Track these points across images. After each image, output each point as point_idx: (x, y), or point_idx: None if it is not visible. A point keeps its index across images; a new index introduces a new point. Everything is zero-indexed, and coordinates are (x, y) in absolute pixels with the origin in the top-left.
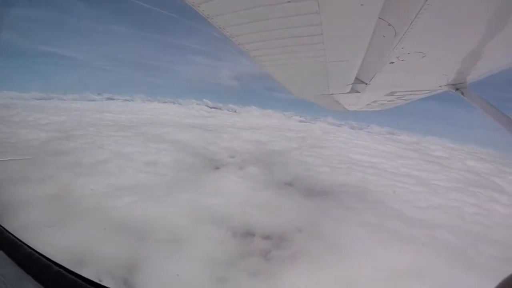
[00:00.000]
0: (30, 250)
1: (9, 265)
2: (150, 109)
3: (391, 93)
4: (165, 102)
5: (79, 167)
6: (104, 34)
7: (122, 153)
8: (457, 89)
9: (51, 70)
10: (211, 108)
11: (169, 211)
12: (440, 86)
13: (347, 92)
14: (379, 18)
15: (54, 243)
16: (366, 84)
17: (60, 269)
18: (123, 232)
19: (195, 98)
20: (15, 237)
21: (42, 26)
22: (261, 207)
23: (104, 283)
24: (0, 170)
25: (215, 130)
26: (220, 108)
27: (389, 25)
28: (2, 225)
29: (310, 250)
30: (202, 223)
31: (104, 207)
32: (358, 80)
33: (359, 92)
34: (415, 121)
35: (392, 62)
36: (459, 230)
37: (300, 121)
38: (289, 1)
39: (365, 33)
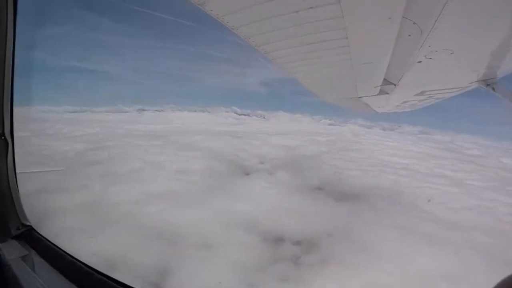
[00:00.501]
0: (67, 256)
1: (49, 271)
2: (180, 118)
3: (421, 93)
4: (195, 111)
5: (112, 176)
6: (132, 48)
7: (154, 162)
8: (487, 84)
9: (82, 84)
10: (239, 115)
11: (200, 217)
12: (470, 83)
13: (376, 94)
14: (403, 17)
15: (89, 249)
16: (395, 85)
17: (100, 275)
18: (154, 238)
19: (224, 106)
20: (53, 244)
21: (71, 43)
22: (291, 212)
23: None
24: (36, 181)
25: (244, 136)
26: (248, 115)
27: (414, 23)
28: (40, 233)
29: (341, 254)
30: (232, 228)
31: (137, 214)
32: (386, 82)
33: (388, 93)
34: (448, 119)
35: (420, 61)
36: (495, 231)
37: (330, 124)
38: (311, 7)
39: (390, 34)
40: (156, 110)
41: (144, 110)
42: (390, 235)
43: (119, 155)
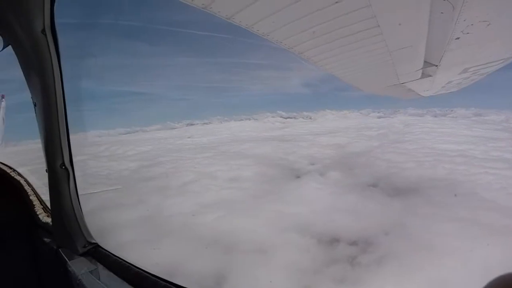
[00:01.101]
0: (132, 267)
1: (116, 282)
2: (228, 128)
3: (465, 70)
4: (241, 120)
5: (167, 190)
6: (174, 67)
7: (206, 173)
8: None
9: (132, 107)
10: (286, 118)
11: (254, 223)
12: None
13: (419, 78)
14: None
15: (152, 259)
16: (436, 66)
17: (165, 282)
18: (211, 246)
19: (269, 111)
20: (119, 257)
21: (118, 70)
22: (345, 212)
23: None
24: (97, 200)
25: (292, 139)
26: (294, 117)
27: (444, 0)
28: (106, 249)
29: (398, 252)
30: (287, 232)
31: (193, 224)
32: (427, 64)
33: (431, 75)
34: (502, 96)
35: (458, 38)
36: None
37: (379, 117)
38: (336, 2)
39: (422, 14)
40: (204, 123)
41: (192, 124)
42: (449, 228)
43: (172, 169)
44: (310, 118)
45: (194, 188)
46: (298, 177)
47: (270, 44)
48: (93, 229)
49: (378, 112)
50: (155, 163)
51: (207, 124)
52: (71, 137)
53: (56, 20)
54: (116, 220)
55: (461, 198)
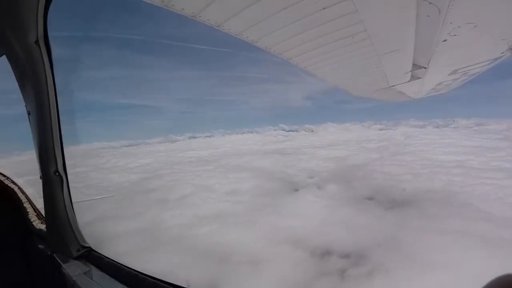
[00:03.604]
0: (124, 267)
1: (110, 281)
2: (229, 141)
3: (454, 72)
4: (243, 133)
5: (166, 202)
6: (178, 81)
7: (205, 186)
8: None
9: (135, 119)
10: (287, 131)
11: (249, 236)
12: (502, 53)
13: (408, 81)
14: None
15: (144, 268)
16: (425, 68)
17: (154, 280)
18: (205, 257)
19: (271, 125)
20: (111, 259)
21: (121, 83)
22: (339, 225)
23: None
24: (95, 210)
25: (292, 153)
26: (296, 130)
27: (430, 3)
28: (99, 252)
29: (389, 265)
30: (280, 244)
31: (188, 236)
32: (416, 66)
33: (420, 77)
34: (504, 105)
35: (445, 40)
36: None
37: (380, 129)
38: (324, 8)
39: (408, 18)
40: (206, 136)
41: (194, 137)
42: (442, 240)
43: (171, 182)
44: (312, 131)
45: (192, 201)
46: (296, 190)
47: (272, 58)
48: (88, 237)
49: (380, 124)
50: (155, 176)
51: (209, 137)
52: (75, 148)
53: (50, 32)
54: (113, 229)
55: (456, 210)
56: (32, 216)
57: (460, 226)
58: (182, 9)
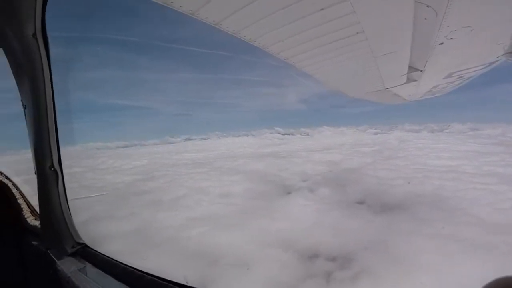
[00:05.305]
0: (120, 263)
1: (105, 278)
2: (225, 144)
3: (450, 75)
4: (239, 136)
5: (159, 204)
6: (175, 83)
7: (198, 188)
8: None
9: (131, 120)
10: (283, 135)
11: (239, 238)
12: (497, 57)
13: (404, 83)
14: (416, 1)
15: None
16: (421, 71)
17: (150, 276)
18: (194, 258)
19: (267, 128)
20: (107, 256)
21: (117, 84)
22: (329, 228)
23: None
24: (88, 210)
25: (287, 156)
26: (292, 134)
27: (427, 6)
28: (94, 249)
29: (375, 268)
30: (270, 247)
31: (179, 237)
32: (412, 69)
33: (416, 80)
34: (499, 109)
35: (442, 43)
36: None
37: (375, 134)
38: (322, 9)
39: (405, 20)
40: (202, 139)
41: (190, 139)
42: (429, 245)
43: (166, 184)
44: (308, 134)
45: (185, 203)
46: (289, 193)
47: (270, 61)
48: (83, 235)
49: (375, 129)
50: (150, 177)
51: (205, 139)
52: (72, 148)
53: (48, 25)
54: (105, 230)
55: (445, 214)
56: (26, 212)
57: (449, 230)
58: (180, 6)
